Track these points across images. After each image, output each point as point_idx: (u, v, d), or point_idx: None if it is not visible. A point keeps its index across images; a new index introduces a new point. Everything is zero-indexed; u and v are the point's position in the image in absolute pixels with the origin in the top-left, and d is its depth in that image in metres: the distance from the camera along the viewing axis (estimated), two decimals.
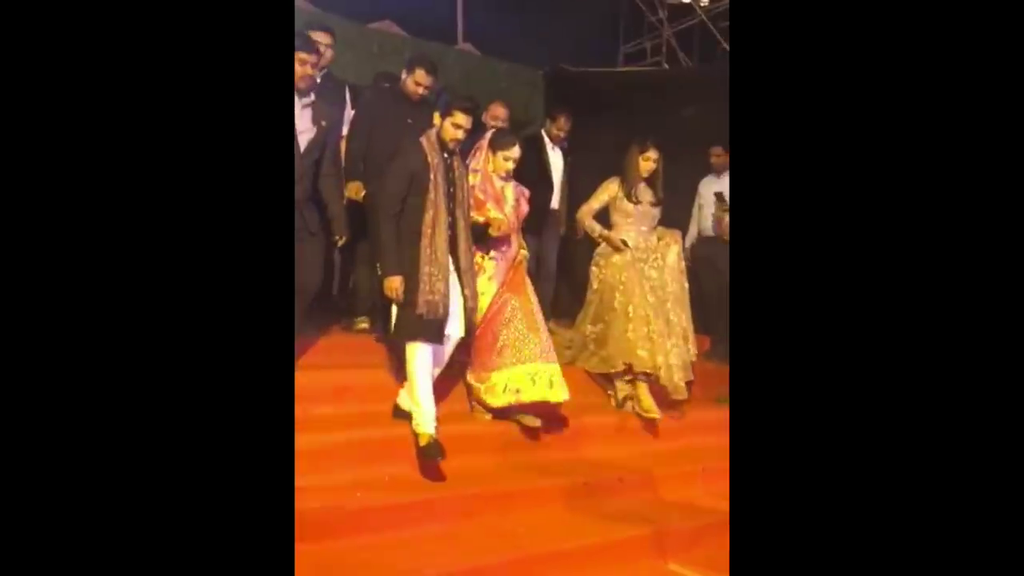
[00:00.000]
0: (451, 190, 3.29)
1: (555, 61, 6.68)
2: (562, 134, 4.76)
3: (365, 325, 3.96)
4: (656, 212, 4.18)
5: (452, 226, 3.27)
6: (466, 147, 3.54)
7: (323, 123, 3.21)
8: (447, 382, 3.52)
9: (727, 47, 6.70)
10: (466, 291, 3.30)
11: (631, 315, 3.96)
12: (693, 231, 5.14)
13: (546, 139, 4.78)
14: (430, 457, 3.04)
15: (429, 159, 3.25)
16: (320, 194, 3.24)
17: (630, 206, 4.08)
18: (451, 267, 3.24)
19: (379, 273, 3.22)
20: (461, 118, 3.26)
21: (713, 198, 4.92)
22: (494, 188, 3.65)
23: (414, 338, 3.16)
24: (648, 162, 4.02)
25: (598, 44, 7.29)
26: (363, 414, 3.27)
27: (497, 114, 4.44)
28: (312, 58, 3.17)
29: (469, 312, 3.34)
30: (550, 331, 3.76)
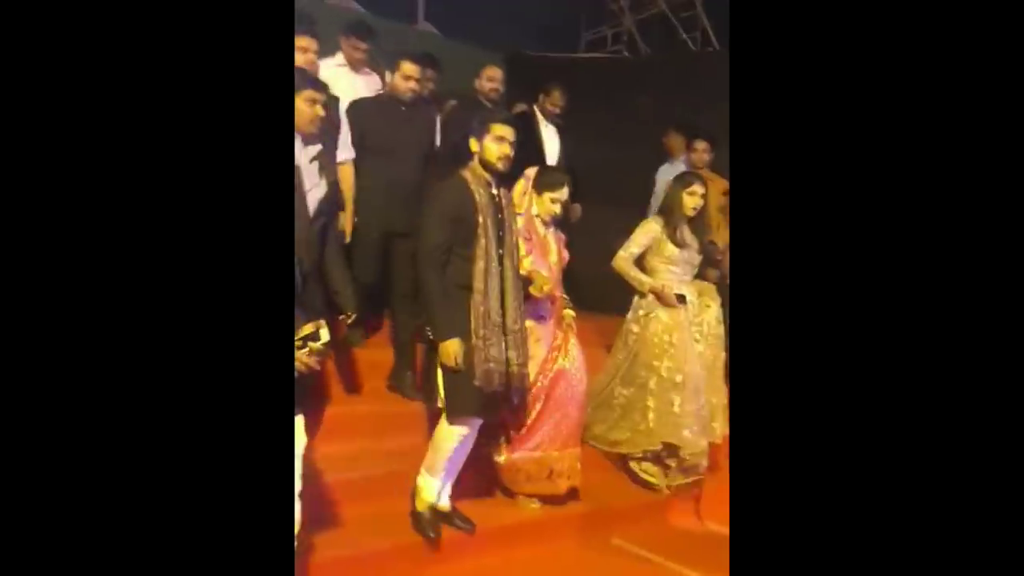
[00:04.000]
0: (500, 234, 2.72)
1: (516, 45, 6.66)
2: (556, 109, 4.42)
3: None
4: (699, 259, 3.62)
5: (500, 276, 2.71)
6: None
7: (329, 178, 2.60)
8: None
9: (686, 36, 6.77)
10: (511, 353, 2.71)
11: (681, 385, 3.31)
12: None
13: (539, 116, 4.44)
14: (422, 531, 2.69)
15: (476, 198, 2.68)
16: (325, 265, 2.61)
17: (675, 250, 3.50)
18: (500, 325, 2.72)
19: (429, 336, 2.67)
20: (503, 130, 2.69)
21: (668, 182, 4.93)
22: (538, 235, 3.11)
23: (470, 415, 2.66)
24: (694, 198, 3.49)
25: (560, 31, 7.30)
26: None
27: (493, 75, 4.26)
28: (322, 96, 2.43)
29: (518, 379, 2.74)
30: None
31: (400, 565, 2.60)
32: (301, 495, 2.02)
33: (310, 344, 1.88)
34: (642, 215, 5.16)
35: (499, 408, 2.72)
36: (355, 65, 3.91)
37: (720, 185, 4.71)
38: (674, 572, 2.91)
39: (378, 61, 4.15)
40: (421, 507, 2.72)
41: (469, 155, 2.75)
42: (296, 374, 1.85)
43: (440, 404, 2.68)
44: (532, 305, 3.00)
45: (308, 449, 2.12)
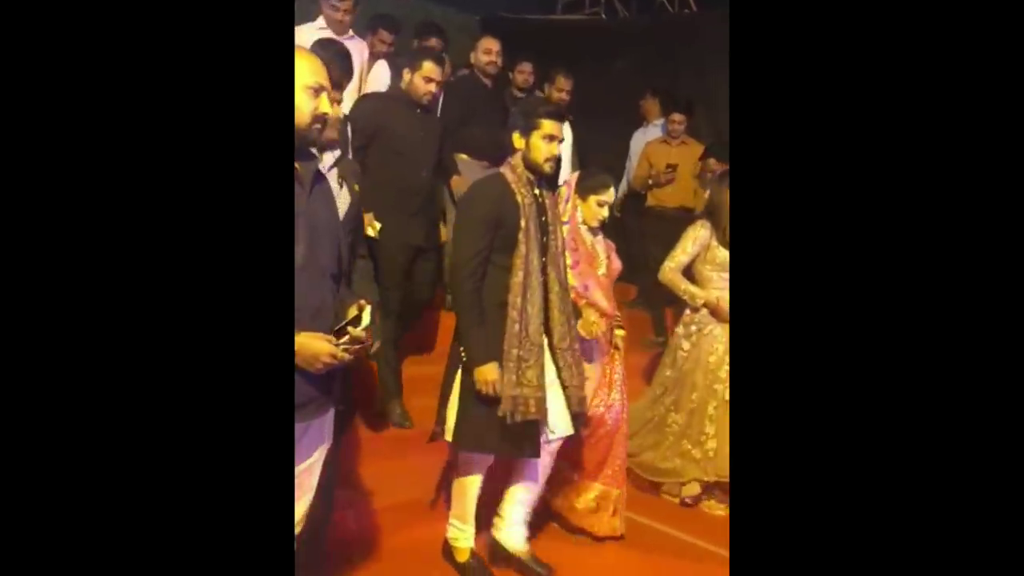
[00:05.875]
0: (544, 240, 2.41)
1: (491, 7, 6.55)
2: (564, 95, 4.22)
3: None
4: None
5: (544, 287, 2.40)
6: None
7: (356, 186, 2.27)
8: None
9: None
10: (564, 374, 2.44)
11: None
12: (624, 185, 5.21)
13: None
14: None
15: (518, 199, 2.36)
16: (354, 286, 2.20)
17: (726, 253, 3.14)
18: (545, 345, 2.41)
19: (462, 359, 2.36)
20: (552, 126, 2.38)
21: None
22: (585, 245, 2.80)
23: (483, 448, 2.38)
24: None
25: None
26: None
27: (490, 47, 3.98)
28: (337, 94, 2.05)
29: (576, 402, 2.47)
30: None
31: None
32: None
33: (350, 330, 1.69)
34: (618, 181, 5.20)
35: (523, 445, 2.37)
36: (337, 29, 3.61)
37: (695, 150, 4.71)
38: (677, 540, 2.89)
39: (360, 26, 4.02)
40: (464, 558, 2.52)
41: (511, 150, 2.45)
42: (334, 364, 1.67)
43: (447, 436, 2.41)
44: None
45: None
